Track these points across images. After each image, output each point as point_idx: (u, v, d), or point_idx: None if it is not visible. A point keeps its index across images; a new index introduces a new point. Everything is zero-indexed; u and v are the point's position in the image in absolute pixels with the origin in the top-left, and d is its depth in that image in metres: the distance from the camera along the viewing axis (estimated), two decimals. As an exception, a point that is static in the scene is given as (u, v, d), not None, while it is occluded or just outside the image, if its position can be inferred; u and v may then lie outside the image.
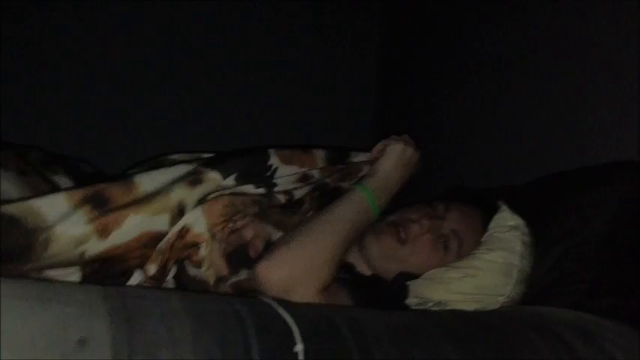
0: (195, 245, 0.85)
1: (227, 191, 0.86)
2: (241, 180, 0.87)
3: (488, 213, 1.03)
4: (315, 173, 0.95)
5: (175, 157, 0.99)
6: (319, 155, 0.97)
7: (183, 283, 0.86)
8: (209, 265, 0.86)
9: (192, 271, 0.87)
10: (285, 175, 0.92)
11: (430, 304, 0.94)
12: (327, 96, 2.23)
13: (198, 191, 0.83)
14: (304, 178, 0.93)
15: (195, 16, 2.04)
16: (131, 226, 0.76)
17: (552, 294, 0.92)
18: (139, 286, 0.79)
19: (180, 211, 0.81)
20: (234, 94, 2.12)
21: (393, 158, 0.96)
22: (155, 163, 0.98)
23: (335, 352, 0.63)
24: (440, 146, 1.81)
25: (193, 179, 0.82)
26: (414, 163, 0.98)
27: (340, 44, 2.24)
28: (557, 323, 0.75)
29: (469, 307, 0.92)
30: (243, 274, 0.88)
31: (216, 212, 0.84)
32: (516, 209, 1.02)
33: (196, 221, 0.83)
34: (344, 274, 0.91)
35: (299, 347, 0.61)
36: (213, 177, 0.84)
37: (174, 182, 0.81)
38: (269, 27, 2.15)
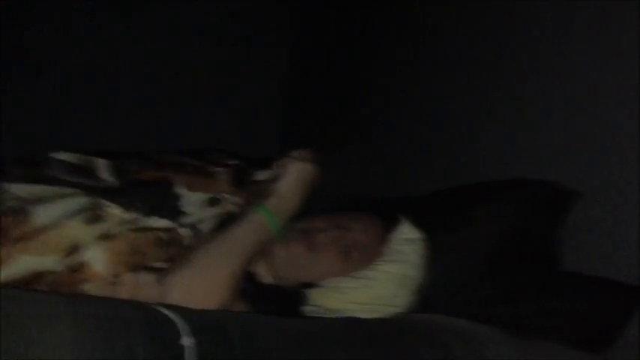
0: (90, 281, 0.80)
1: (130, 226, 0.83)
2: (145, 212, 0.85)
3: (390, 224, 1.07)
4: (222, 197, 0.95)
5: (62, 156, 0.95)
6: (223, 178, 0.97)
7: None
8: None
9: None
10: (191, 202, 0.91)
11: (327, 313, 0.96)
12: (232, 98, 2.18)
13: (97, 228, 0.79)
14: (212, 203, 0.93)
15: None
16: (20, 265, 0.74)
17: (444, 303, 0.97)
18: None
19: (73, 250, 0.78)
20: (137, 92, 2.07)
21: (292, 177, 0.96)
22: (41, 161, 0.93)
23: (223, 354, 0.63)
24: (348, 153, 1.79)
25: (91, 216, 0.79)
26: (313, 179, 0.99)
27: (248, 45, 2.19)
28: (441, 330, 0.79)
29: (365, 316, 0.94)
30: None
31: (116, 251, 0.80)
32: (416, 220, 1.06)
33: (94, 259, 0.79)
34: (244, 283, 0.91)
35: (186, 341, 0.60)
36: (113, 212, 0.81)
37: (70, 218, 0.77)
38: (176, 24, 2.10)
